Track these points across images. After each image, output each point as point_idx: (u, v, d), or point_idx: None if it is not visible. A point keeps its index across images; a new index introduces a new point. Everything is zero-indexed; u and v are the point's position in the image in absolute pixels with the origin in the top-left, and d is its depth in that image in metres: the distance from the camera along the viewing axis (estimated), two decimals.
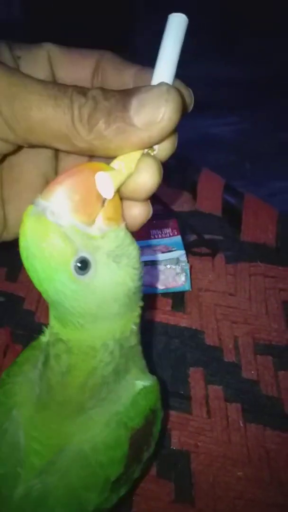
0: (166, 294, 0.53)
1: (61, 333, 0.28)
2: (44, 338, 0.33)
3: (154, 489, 0.39)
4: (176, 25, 0.22)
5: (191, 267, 0.54)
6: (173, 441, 0.42)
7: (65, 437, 0.29)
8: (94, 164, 0.24)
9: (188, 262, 0.53)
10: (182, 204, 0.65)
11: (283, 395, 0.45)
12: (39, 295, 0.54)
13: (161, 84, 0.21)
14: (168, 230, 0.58)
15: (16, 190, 0.26)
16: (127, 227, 0.26)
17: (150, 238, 0.57)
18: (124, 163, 0.23)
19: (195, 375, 0.47)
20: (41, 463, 0.29)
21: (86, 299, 0.25)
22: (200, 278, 0.55)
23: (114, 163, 0.23)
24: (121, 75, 0.26)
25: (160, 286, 0.53)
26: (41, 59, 0.26)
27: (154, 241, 0.56)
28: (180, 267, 0.52)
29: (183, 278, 0.52)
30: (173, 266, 0.52)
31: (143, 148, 0.23)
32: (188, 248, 0.56)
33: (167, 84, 0.21)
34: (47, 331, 0.31)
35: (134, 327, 0.29)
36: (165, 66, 0.22)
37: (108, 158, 0.23)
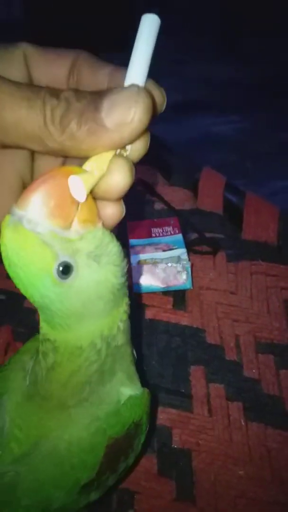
0: (167, 293, 0.53)
1: (49, 333, 0.28)
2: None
3: (155, 487, 0.39)
4: (149, 26, 0.22)
5: (192, 266, 0.54)
6: (175, 440, 0.42)
7: (43, 430, 0.30)
8: (67, 168, 0.24)
9: (189, 260, 0.53)
10: (183, 202, 0.64)
11: (285, 394, 0.45)
12: None
13: (131, 86, 0.22)
14: (169, 229, 0.58)
15: None
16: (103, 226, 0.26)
17: (151, 237, 0.57)
18: (96, 164, 0.23)
19: (196, 373, 0.47)
20: (19, 450, 0.30)
21: (71, 301, 0.26)
22: (201, 276, 0.55)
23: (86, 165, 0.23)
24: (95, 74, 0.26)
25: (161, 285, 0.52)
26: (17, 59, 0.26)
27: (155, 240, 0.56)
28: (181, 266, 0.52)
29: (184, 276, 0.52)
30: (174, 265, 0.52)
31: (115, 149, 0.23)
32: (189, 246, 0.56)
33: (137, 86, 0.22)
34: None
35: (121, 325, 0.30)
36: (137, 67, 0.22)
37: (81, 158, 0.24)
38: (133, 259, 0.53)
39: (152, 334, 0.50)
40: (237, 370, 0.47)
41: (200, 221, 0.61)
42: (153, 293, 0.53)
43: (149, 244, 0.55)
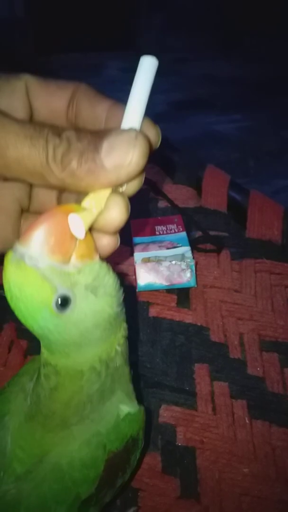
0: (171, 290, 0.53)
1: (50, 358, 0.29)
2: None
3: (159, 485, 0.39)
4: (146, 67, 0.23)
5: (196, 264, 0.54)
6: (179, 437, 0.42)
7: (46, 448, 0.30)
8: (66, 206, 0.25)
9: (193, 258, 0.53)
10: (187, 200, 0.64)
11: None
12: None
13: (130, 130, 0.23)
14: (173, 227, 0.58)
15: None
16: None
17: (155, 234, 0.57)
18: (94, 202, 0.24)
19: (201, 371, 0.47)
20: (21, 469, 0.30)
21: (69, 331, 0.27)
22: (205, 274, 0.55)
23: (85, 201, 0.24)
24: (94, 108, 0.27)
25: (165, 282, 0.52)
26: (19, 90, 0.27)
27: (159, 238, 0.56)
28: (185, 264, 0.52)
29: (188, 274, 0.52)
30: (178, 263, 0.52)
31: (112, 187, 0.24)
32: (193, 244, 0.56)
33: (135, 130, 0.23)
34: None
35: (119, 348, 0.31)
36: (135, 108, 0.24)
37: (79, 193, 0.25)
38: (137, 257, 0.53)
39: (156, 332, 0.50)
40: (241, 368, 0.47)
41: (204, 219, 0.61)
42: (157, 291, 0.53)
43: (153, 242, 0.55)
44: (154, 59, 0.23)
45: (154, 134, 0.25)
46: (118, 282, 0.29)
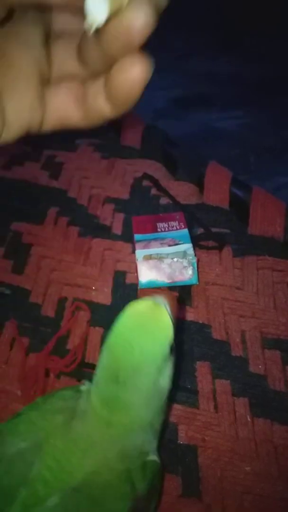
0: (173, 288, 0.53)
1: (103, 412, 0.31)
2: (80, 387, 0.35)
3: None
4: None
5: (198, 261, 0.53)
6: (180, 436, 0.42)
7: (79, 475, 0.30)
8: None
9: (195, 255, 0.52)
10: (189, 197, 0.64)
11: None
12: (45, 288, 0.54)
13: None
14: (175, 223, 0.58)
15: (10, 77, 0.24)
16: (128, 99, 0.23)
17: (157, 231, 0.57)
18: None
19: (202, 369, 0.46)
20: (44, 491, 0.29)
21: (157, 381, 0.30)
22: (207, 271, 0.55)
23: None
24: None
25: (167, 280, 0.52)
26: None
27: (161, 234, 0.56)
28: (187, 261, 0.52)
29: (190, 271, 0.52)
30: (180, 260, 0.52)
31: None
32: (195, 241, 0.55)
33: None
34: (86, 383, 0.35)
35: (162, 415, 0.34)
36: None
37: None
38: (139, 254, 0.53)
39: None
40: (243, 365, 0.47)
41: (206, 216, 0.61)
42: (158, 288, 0.53)
43: (155, 239, 0.55)
44: None
45: None
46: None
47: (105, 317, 0.51)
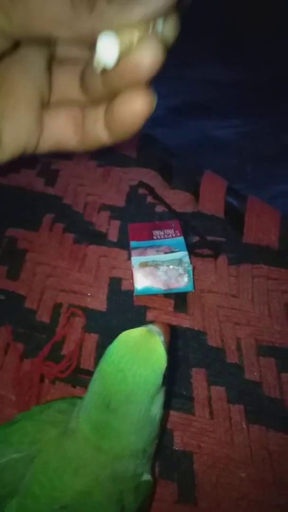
0: (168, 295, 0.53)
1: (92, 438, 0.30)
2: (78, 401, 0.34)
3: (157, 490, 0.38)
4: None
5: (193, 268, 0.54)
6: (176, 442, 0.42)
7: (70, 493, 0.29)
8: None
9: (190, 263, 0.53)
10: (185, 205, 0.64)
11: (286, 396, 0.45)
12: (40, 294, 0.54)
13: None
14: (171, 231, 0.58)
15: (11, 103, 0.24)
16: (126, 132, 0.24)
17: (152, 239, 0.57)
18: (127, 35, 0.21)
19: (198, 376, 0.47)
20: (33, 508, 0.29)
21: (149, 410, 0.30)
22: (202, 279, 0.55)
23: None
24: None
25: (163, 287, 0.52)
26: None
27: (157, 242, 0.56)
28: (182, 268, 0.52)
29: (185, 279, 0.52)
30: (176, 267, 0.52)
31: (147, 23, 0.21)
32: (191, 249, 0.56)
33: None
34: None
35: (156, 441, 0.34)
36: None
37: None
38: (135, 261, 0.53)
39: None
40: (238, 373, 0.47)
41: (202, 224, 0.61)
42: (154, 295, 0.53)
43: (151, 246, 0.55)
44: None
45: None
46: None
47: (100, 323, 0.51)
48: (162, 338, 0.31)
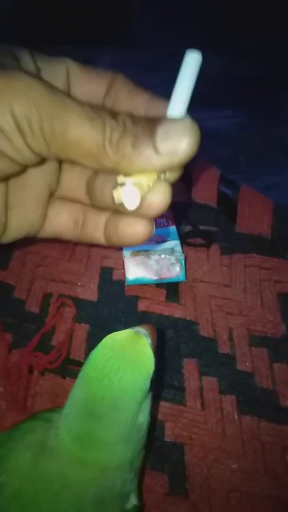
0: (160, 285, 0.52)
1: (75, 450, 0.29)
2: (53, 415, 0.32)
3: (147, 482, 0.38)
4: (193, 62, 0.24)
5: (185, 258, 0.53)
6: (167, 433, 0.41)
7: None
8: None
9: (183, 252, 0.52)
10: (177, 194, 0.63)
11: (278, 387, 0.45)
12: (29, 284, 0.53)
13: (185, 119, 0.23)
14: (163, 220, 0.57)
15: (21, 196, 0.27)
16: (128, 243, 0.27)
17: None
18: (144, 180, 0.24)
19: (189, 366, 0.46)
20: None
21: (136, 417, 0.28)
22: (194, 268, 0.54)
23: (135, 177, 0.24)
24: (133, 99, 0.27)
25: (154, 277, 0.52)
26: (61, 73, 0.27)
27: None
28: (174, 258, 0.51)
29: (177, 268, 0.52)
30: (168, 257, 0.51)
31: (160, 172, 0.24)
32: (183, 238, 0.55)
33: (191, 119, 0.23)
34: (57, 410, 0.32)
35: (142, 451, 0.32)
36: (181, 99, 0.24)
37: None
38: (126, 251, 0.52)
39: None
40: (230, 363, 0.46)
41: (194, 213, 0.61)
42: (146, 285, 0.52)
43: None
44: (199, 55, 0.24)
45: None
46: None
47: (91, 313, 0.50)
48: (149, 341, 0.29)
